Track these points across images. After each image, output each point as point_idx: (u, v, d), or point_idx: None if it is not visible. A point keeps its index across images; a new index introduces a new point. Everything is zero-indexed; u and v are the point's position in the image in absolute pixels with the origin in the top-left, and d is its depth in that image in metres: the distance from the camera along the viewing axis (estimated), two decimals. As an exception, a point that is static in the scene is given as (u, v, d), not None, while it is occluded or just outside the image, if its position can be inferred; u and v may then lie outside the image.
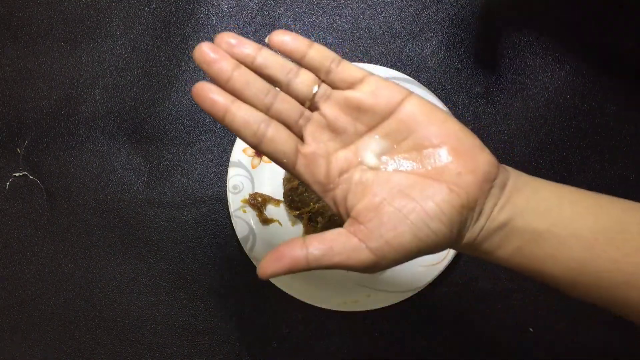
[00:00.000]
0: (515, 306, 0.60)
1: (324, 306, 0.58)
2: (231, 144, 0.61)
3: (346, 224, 0.35)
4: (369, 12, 0.63)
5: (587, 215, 0.35)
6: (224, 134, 0.62)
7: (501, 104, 0.62)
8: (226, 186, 0.60)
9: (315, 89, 0.36)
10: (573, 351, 0.59)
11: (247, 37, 0.65)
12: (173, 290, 0.61)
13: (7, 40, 0.64)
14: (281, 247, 0.34)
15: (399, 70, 0.60)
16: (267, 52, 0.36)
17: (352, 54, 0.63)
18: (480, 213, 0.35)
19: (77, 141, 0.63)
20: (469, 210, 0.34)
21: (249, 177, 0.60)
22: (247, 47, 0.35)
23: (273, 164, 0.60)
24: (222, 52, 0.34)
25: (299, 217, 0.60)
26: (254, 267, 0.58)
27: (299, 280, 0.58)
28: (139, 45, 0.64)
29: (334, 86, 0.36)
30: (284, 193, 0.60)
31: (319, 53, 0.36)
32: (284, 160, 0.36)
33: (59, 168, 0.63)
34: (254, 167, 0.60)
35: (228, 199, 0.59)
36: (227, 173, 0.60)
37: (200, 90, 0.34)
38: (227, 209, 0.60)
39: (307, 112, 0.36)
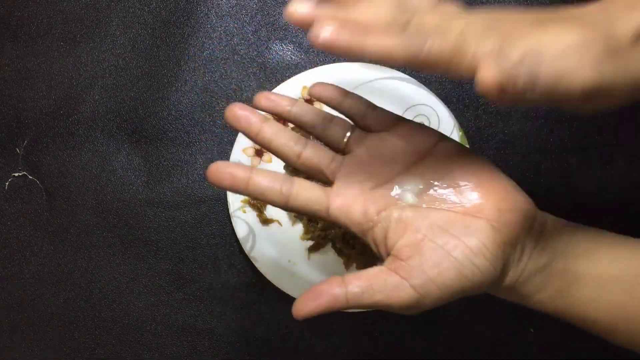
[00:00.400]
0: (515, 306, 0.59)
1: (324, 306, 0.58)
2: (231, 144, 0.61)
3: (386, 262, 0.35)
4: (369, 12, 0.63)
5: (625, 258, 0.35)
6: (223, 134, 0.62)
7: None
8: (226, 186, 0.60)
9: (349, 133, 0.37)
10: (573, 351, 0.59)
11: (247, 37, 0.65)
12: (173, 291, 0.61)
13: (7, 40, 0.64)
14: (318, 286, 0.34)
15: (399, 70, 0.60)
16: (302, 103, 0.38)
17: (352, 54, 0.62)
18: (522, 252, 0.35)
19: (77, 141, 0.63)
20: (511, 248, 0.34)
21: (249, 177, 0.60)
22: (284, 101, 0.38)
23: (273, 164, 0.60)
24: (250, 109, 0.36)
25: (299, 217, 0.60)
26: (254, 267, 0.58)
27: (299, 281, 0.58)
28: (138, 45, 0.64)
29: (368, 129, 0.37)
30: (284, 193, 0.60)
31: (355, 99, 0.38)
32: (316, 208, 0.36)
33: (58, 168, 0.62)
34: (254, 167, 0.60)
35: (228, 199, 0.59)
36: (226, 173, 0.60)
37: (215, 171, 0.36)
38: (227, 209, 0.60)
39: (338, 157, 0.37)
